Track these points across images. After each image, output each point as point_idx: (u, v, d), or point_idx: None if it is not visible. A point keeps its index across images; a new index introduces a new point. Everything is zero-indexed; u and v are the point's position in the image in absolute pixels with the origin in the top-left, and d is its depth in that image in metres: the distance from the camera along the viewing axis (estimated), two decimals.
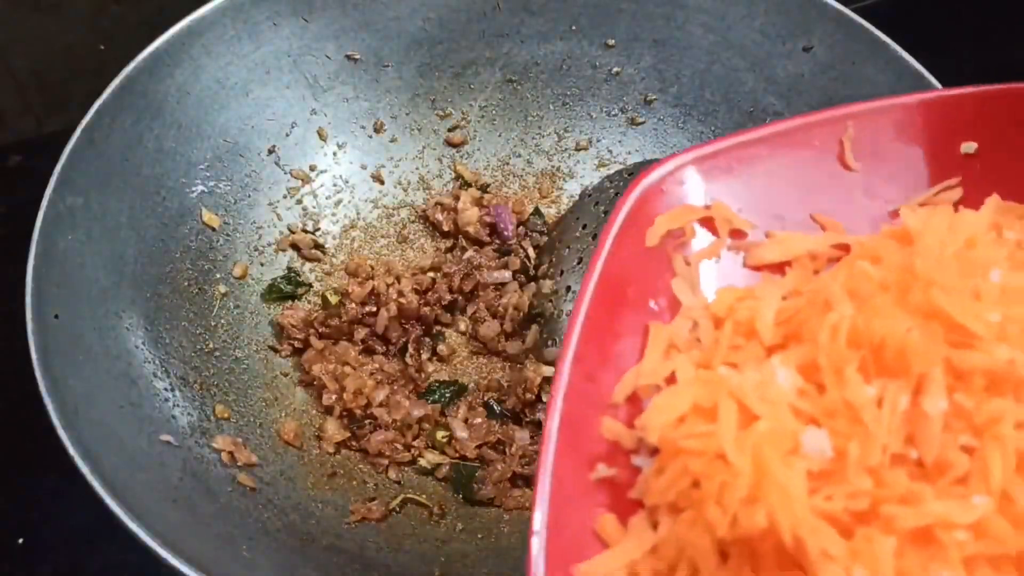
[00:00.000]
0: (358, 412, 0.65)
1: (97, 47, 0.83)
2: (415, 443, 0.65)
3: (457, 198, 0.75)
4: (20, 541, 0.66)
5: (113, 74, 0.65)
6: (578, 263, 0.70)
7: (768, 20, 0.71)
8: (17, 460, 0.68)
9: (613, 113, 0.78)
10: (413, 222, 0.76)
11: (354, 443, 0.64)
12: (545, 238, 0.75)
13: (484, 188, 0.77)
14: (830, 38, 0.69)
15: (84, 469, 0.48)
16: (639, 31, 0.75)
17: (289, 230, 0.73)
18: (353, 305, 0.69)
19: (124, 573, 0.65)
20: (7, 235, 0.72)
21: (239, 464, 0.59)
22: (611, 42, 0.76)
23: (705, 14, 0.73)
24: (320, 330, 0.68)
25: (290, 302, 0.71)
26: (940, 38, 0.79)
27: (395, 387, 0.67)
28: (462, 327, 0.72)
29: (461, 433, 0.65)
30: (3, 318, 0.58)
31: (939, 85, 0.64)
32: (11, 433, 0.69)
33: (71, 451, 0.49)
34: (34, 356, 0.52)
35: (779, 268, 0.43)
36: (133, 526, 0.47)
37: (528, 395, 0.65)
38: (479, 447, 0.65)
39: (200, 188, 0.68)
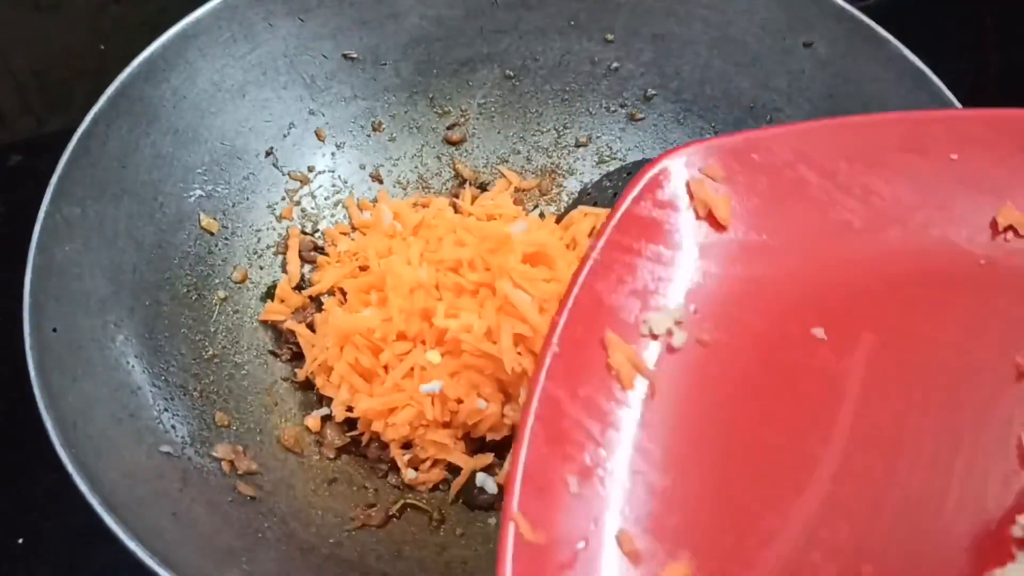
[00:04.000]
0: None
1: (97, 47, 0.83)
2: None
3: (456, 196, 0.75)
4: (20, 541, 0.66)
5: (113, 74, 0.64)
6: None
7: (769, 15, 0.70)
8: (17, 460, 0.69)
9: (612, 109, 0.77)
10: None
11: (354, 448, 0.64)
12: None
13: (483, 186, 0.76)
14: (831, 34, 0.68)
15: (83, 488, 0.49)
16: (638, 26, 0.74)
17: (288, 232, 0.72)
18: None
19: (124, 573, 0.65)
20: (7, 235, 0.72)
21: (239, 472, 0.59)
22: (610, 37, 0.75)
23: (705, 8, 0.72)
24: None
25: None
26: (942, 37, 0.78)
27: None
28: None
29: None
30: (3, 318, 0.58)
31: (941, 84, 0.63)
32: (11, 433, 0.70)
33: (70, 469, 0.49)
34: (32, 373, 0.52)
35: None
36: (132, 545, 0.47)
37: None
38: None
39: (198, 192, 0.68)
